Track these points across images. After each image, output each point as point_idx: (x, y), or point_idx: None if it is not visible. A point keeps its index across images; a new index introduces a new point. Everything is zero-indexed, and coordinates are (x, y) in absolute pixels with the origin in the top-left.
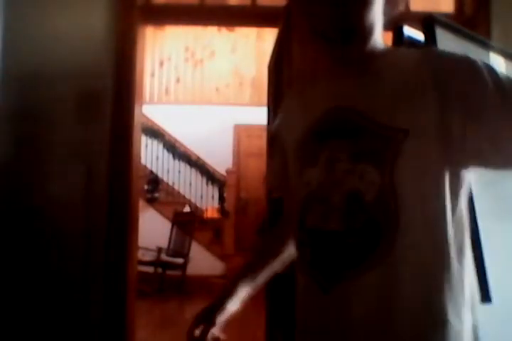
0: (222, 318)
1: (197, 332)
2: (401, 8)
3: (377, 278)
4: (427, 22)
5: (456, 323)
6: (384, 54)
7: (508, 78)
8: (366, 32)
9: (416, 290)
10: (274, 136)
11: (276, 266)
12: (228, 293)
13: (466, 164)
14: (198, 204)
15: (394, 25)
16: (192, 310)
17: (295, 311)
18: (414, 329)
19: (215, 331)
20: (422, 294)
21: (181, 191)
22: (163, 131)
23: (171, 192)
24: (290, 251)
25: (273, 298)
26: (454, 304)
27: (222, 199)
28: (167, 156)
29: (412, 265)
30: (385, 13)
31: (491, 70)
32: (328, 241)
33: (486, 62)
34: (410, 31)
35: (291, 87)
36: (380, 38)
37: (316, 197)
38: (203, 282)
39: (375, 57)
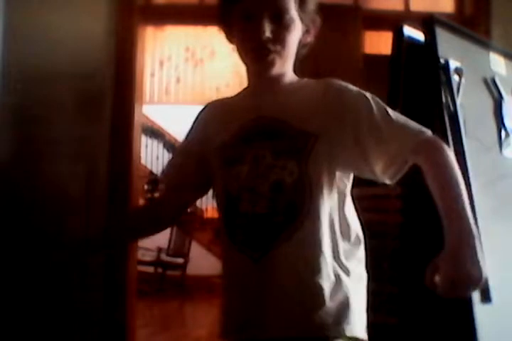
0: None
1: None
2: (309, 39)
3: (292, 246)
4: (427, 22)
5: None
6: (294, 81)
7: (391, 110)
8: (285, 54)
9: (317, 254)
10: (186, 144)
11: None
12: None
13: (356, 171)
14: (198, 204)
15: (394, 25)
16: (192, 310)
17: (223, 284)
18: (315, 281)
19: None
20: (321, 256)
21: None
22: (163, 131)
23: None
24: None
25: None
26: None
27: None
28: (167, 156)
29: (317, 235)
30: (302, 45)
31: (379, 105)
32: (257, 222)
33: (376, 97)
34: (410, 31)
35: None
36: (291, 70)
37: (245, 188)
38: (203, 282)
39: (287, 81)
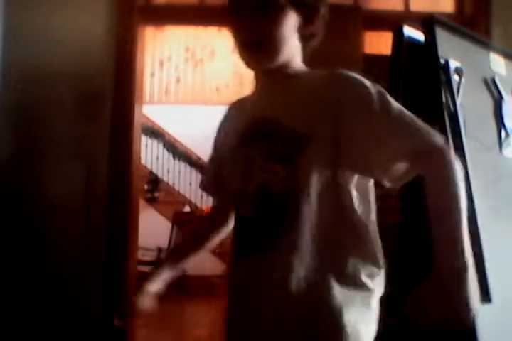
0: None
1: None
2: (320, 32)
3: (281, 253)
4: (427, 22)
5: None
6: (299, 75)
7: (398, 108)
8: (274, 46)
9: (307, 263)
10: (214, 142)
11: (204, 249)
12: (151, 276)
13: (352, 170)
14: (198, 204)
15: (394, 25)
16: (192, 310)
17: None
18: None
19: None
20: (311, 265)
21: (181, 191)
22: (163, 131)
23: (171, 192)
24: (217, 240)
25: None
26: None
27: None
28: (167, 156)
29: (307, 243)
30: (305, 34)
31: (383, 101)
32: (247, 226)
33: (383, 92)
34: (410, 31)
35: None
36: (299, 61)
37: (239, 191)
38: (203, 282)
39: (291, 77)
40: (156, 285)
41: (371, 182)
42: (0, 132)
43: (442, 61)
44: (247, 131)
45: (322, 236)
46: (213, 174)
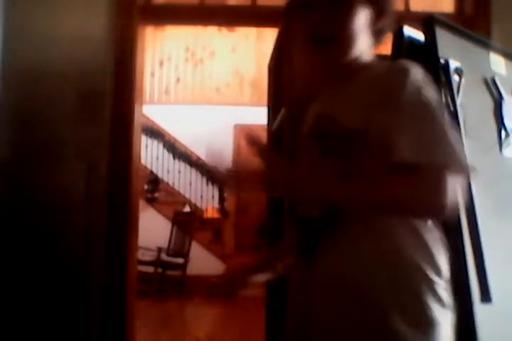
0: None
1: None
2: (391, 26)
3: (336, 255)
4: (427, 22)
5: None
6: (365, 67)
7: (434, 122)
8: (347, 42)
9: (363, 268)
10: None
11: None
12: None
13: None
14: (198, 204)
15: (394, 25)
16: (192, 310)
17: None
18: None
19: None
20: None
21: (181, 191)
22: (163, 131)
23: (171, 192)
24: None
25: (272, 302)
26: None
27: (222, 199)
28: (167, 156)
29: (364, 244)
30: (375, 29)
31: (423, 98)
32: (303, 225)
33: (428, 93)
34: (410, 31)
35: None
36: (368, 51)
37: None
38: (203, 282)
39: (357, 72)
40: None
41: None
42: (0, 132)
43: (442, 61)
44: (309, 130)
45: (384, 238)
46: None
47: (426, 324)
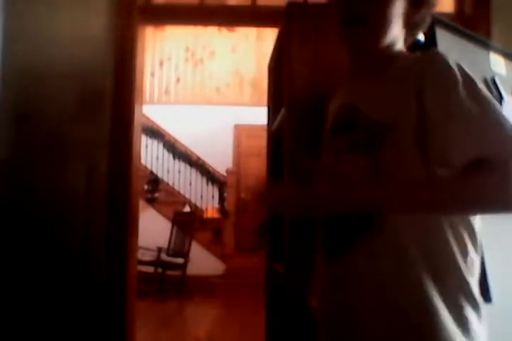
0: None
1: None
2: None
3: (368, 255)
4: None
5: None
6: (396, 58)
7: (481, 95)
8: (380, 25)
9: (398, 270)
10: None
11: None
12: None
13: (437, 162)
14: (198, 204)
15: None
16: (192, 310)
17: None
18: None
19: None
20: (403, 273)
21: (181, 191)
22: (163, 131)
23: (171, 192)
24: None
25: (272, 302)
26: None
27: (222, 199)
28: (167, 156)
29: (400, 245)
30: (410, 22)
31: (469, 84)
32: (332, 223)
33: (470, 76)
34: None
35: (291, 87)
36: (400, 43)
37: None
38: (203, 282)
39: (387, 60)
40: None
41: None
42: (0, 131)
43: None
44: (335, 121)
45: (421, 238)
46: None
47: (462, 324)
